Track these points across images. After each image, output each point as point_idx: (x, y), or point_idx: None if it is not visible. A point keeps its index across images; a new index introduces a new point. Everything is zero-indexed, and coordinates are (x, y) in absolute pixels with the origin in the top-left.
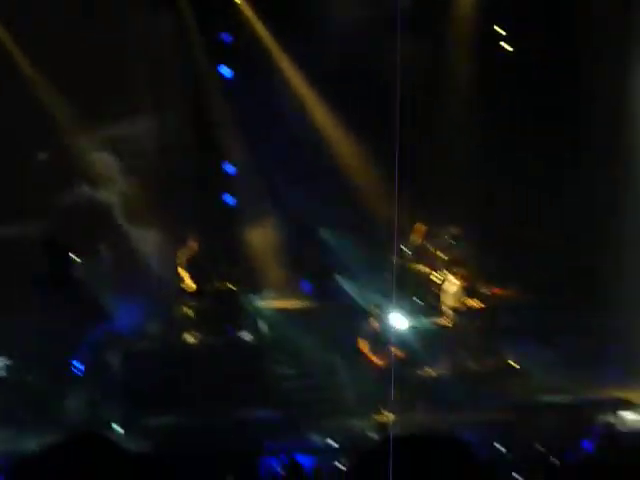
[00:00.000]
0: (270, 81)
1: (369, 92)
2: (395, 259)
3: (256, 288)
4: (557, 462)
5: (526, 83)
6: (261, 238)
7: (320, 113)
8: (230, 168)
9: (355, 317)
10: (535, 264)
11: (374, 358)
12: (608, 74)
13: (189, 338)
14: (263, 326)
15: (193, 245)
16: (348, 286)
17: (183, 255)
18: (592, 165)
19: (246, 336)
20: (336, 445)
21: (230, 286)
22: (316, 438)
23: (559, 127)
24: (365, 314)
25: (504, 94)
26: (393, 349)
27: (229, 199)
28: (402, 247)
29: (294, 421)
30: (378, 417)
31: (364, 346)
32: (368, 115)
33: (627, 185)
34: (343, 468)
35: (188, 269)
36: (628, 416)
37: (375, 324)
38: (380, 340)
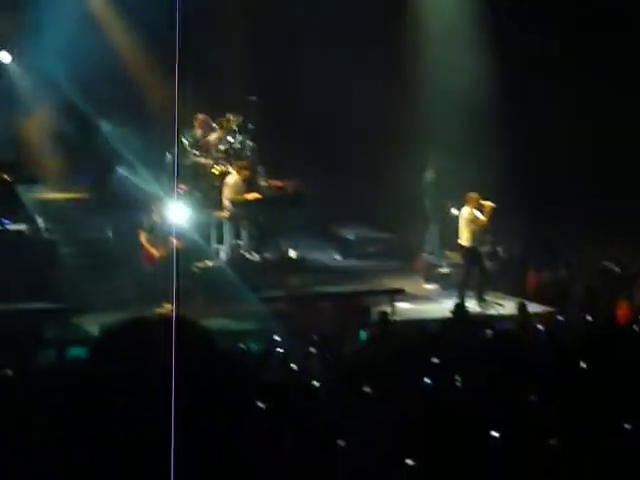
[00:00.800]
0: None
1: None
2: (175, 151)
3: (33, 179)
4: (330, 356)
5: None
6: (38, 128)
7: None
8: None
9: (136, 210)
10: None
11: (153, 250)
12: None
13: None
14: (40, 218)
15: None
16: (129, 178)
17: None
18: None
19: (23, 228)
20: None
21: (5, 177)
22: (95, 330)
23: None
24: (146, 207)
25: None
26: (173, 241)
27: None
28: (183, 139)
29: (73, 312)
30: (159, 309)
31: (143, 238)
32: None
33: None
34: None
35: None
36: (403, 306)
37: (156, 216)
38: (160, 232)
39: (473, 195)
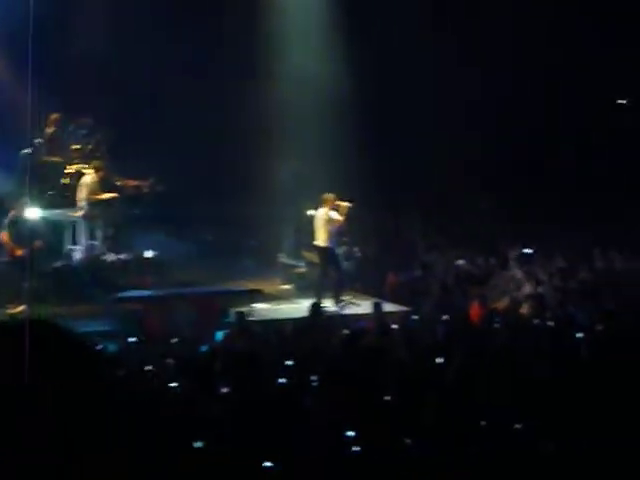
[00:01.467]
0: None
1: None
2: (29, 150)
3: None
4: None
5: None
6: None
7: None
8: None
9: None
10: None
11: (14, 249)
12: None
13: None
14: None
15: None
16: None
17: None
18: None
19: None
20: None
21: None
22: None
23: None
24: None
25: None
26: (33, 241)
27: None
28: (35, 139)
29: None
30: (10, 309)
31: (4, 237)
32: None
33: None
34: None
35: None
36: (259, 306)
37: (14, 215)
38: (20, 231)
39: (329, 196)
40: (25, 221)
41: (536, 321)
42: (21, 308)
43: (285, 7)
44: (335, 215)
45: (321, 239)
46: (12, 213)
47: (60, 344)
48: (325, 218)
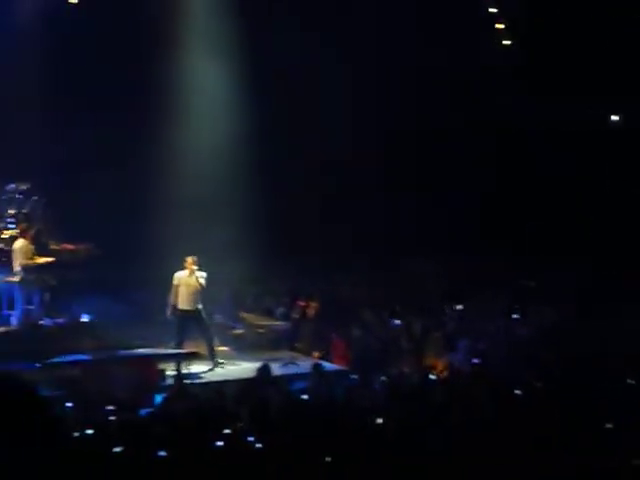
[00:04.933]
0: None
1: None
2: None
3: None
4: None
5: None
6: None
7: None
8: None
9: None
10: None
11: None
12: None
13: None
14: None
15: None
16: None
17: None
18: None
19: None
20: None
21: None
22: None
23: None
24: None
25: None
26: None
27: None
28: None
29: None
30: None
31: None
32: None
33: None
34: None
35: None
36: (196, 368)
37: None
38: None
39: (190, 258)
40: None
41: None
42: None
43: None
44: (202, 277)
45: (192, 301)
46: None
47: (21, 400)
48: (193, 280)
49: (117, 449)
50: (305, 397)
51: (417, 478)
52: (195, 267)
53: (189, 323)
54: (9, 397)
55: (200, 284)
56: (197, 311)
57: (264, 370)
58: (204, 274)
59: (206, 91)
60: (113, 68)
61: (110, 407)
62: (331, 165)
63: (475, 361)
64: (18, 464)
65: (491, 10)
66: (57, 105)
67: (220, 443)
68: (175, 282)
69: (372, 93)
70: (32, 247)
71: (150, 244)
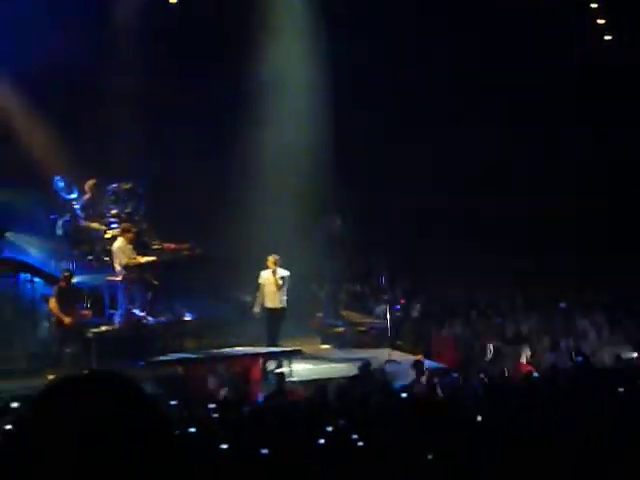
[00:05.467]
0: None
1: None
2: (67, 217)
3: None
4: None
5: None
6: None
7: None
8: None
9: (29, 275)
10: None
11: (62, 317)
12: None
13: None
14: None
15: None
16: (18, 244)
17: None
18: None
19: None
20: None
21: None
22: None
23: None
24: (41, 272)
25: None
26: (80, 310)
27: None
28: (75, 203)
29: None
30: (50, 376)
31: (52, 305)
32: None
33: None
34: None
35: None
36: (299, 366)
37: (63, 282)
38: (67, 298)
39: (273, 257)
40: (72, 290)
41: None
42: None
43: None
44: (283, 275)
45: (276, 299)
46: (61, 280)
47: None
48: (275, 279)
49: (223, 446)
50: (404, 395)
51: (521, 476)
52: (276, 266)
53: (275, 320)
54: (117, 396)
55: (281, 282)
56: (281, 309)
57: (365, 368)
58: (286, 272)
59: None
60: (208, 65)
61: (212, 405)
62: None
63: (579, 359)
64: (127, 464)
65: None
66: (156, 103)
67: (322, 441)
68: (260, 281)
69: None
70: (131, 247)
71: (250, 242)
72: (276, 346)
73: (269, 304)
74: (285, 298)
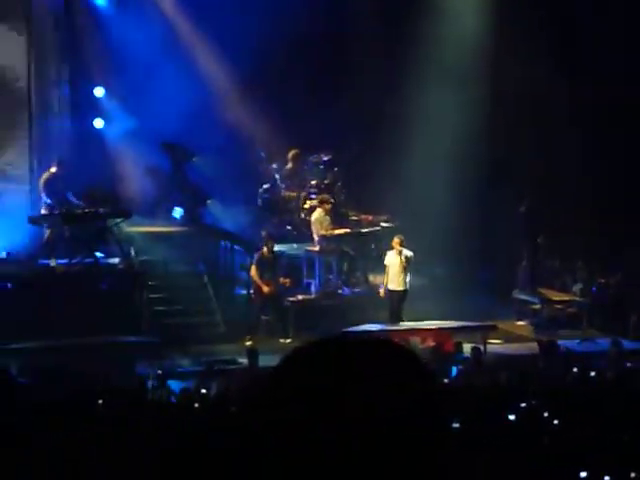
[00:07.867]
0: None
1: None
2: (267, 186)
3: (126, 212)
4: None
5: None
6: (131, 163)
7: None
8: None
9: (227, 243)
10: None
11: (262, 286)
12: None
13: (54, 262)
14: (132, 251)
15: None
16: (219, 211)
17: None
18: None
19: (116, 261)
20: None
21: (99, 210)
22: (186, 362)
23: None
24: (239, 240)
25: None
26: (279, 278)
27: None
28: (275, 173)
29: (164, 345)
30: (247, 342)
31: (254, 273)
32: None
33: None
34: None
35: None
36: (494, 341)
37: (264, 250)
38: (268, 267)
39: (397, 238)
40: (271, 258)
41: None
42: (256, 341)
43: None
44: (407, 256)
45: (399, 281)
46: (264, 248)
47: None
48: (399, 260)
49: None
50: (592, 374)
51: None
52: (401, 247)
53: (397, 302)
54: (396, 364)
55: (405, 263)
56: (404, 291)
57: (551, 346)
58: (410, 253)
59: None
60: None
61: None
62: None
63: None
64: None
65: None
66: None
67: (512, 417)
68: (385, 262)
69: None
70: (328, 218)
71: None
72: None
73: (392, 286)
74: (408, 280)
